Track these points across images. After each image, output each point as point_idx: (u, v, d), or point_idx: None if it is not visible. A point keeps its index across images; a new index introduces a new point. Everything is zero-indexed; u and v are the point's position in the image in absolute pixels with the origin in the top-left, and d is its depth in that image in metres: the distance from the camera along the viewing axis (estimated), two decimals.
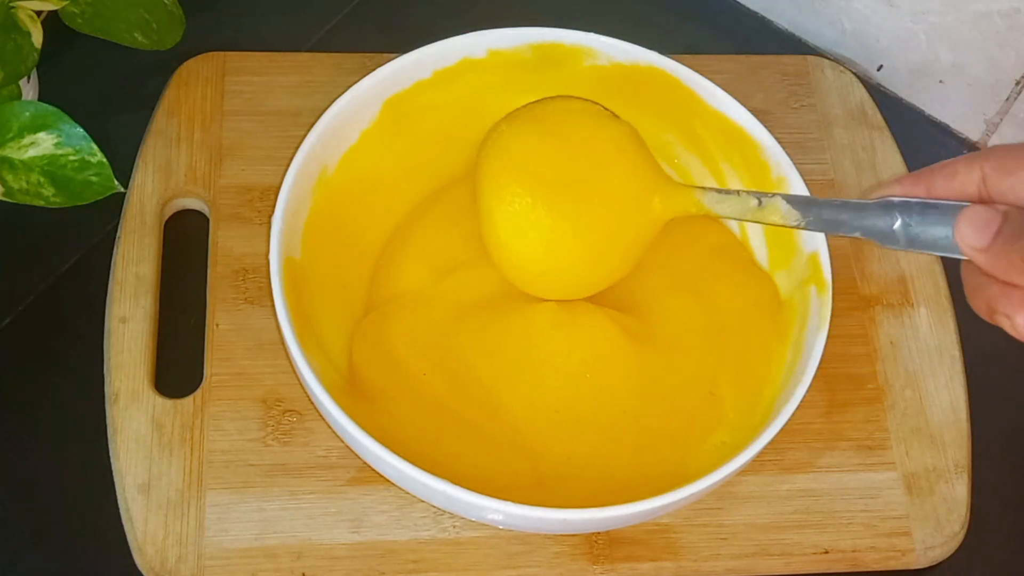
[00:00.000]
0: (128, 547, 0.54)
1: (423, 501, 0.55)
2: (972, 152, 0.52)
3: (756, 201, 0.51)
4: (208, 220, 0.62)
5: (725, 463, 0.49)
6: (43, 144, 0.56)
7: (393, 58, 0.58)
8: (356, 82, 0.57)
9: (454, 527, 0.55)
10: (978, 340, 0.62)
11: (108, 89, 0.67)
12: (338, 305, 0.57)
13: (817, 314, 0.54)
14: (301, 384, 0.53)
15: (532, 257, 0.54)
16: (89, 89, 0.66)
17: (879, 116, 0.69)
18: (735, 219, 0.53)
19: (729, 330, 0.57)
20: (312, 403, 0.53)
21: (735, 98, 0.58)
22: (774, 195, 0.51)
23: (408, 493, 0.53)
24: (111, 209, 0.60)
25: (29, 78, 0.62)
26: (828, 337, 0.53)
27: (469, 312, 0.56)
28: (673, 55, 0.59)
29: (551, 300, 0.56)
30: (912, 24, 0.70)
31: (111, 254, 0.60)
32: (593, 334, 0.55)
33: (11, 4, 0.57)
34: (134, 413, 0.56)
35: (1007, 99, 0.70)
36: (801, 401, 0.51)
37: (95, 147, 0.56)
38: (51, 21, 0.59)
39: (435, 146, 0.60)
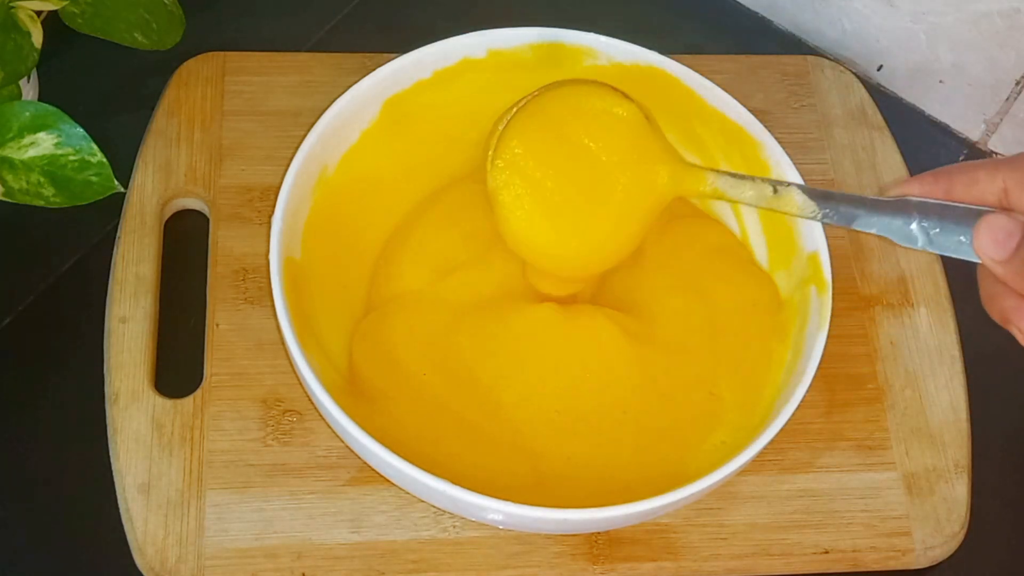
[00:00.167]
0: (128, 547, 0.54)
1: (423, 501, 0.55)
2: (993, 159, 0.52)
3: (772, 189, 0.51)
4: (208, 220, 0.62)
5: (725, 463, 0.49)
6: (43, 144, 0.56)
7: (393, 58, 0.58)
8: (356, 82, 0.57)
9: (454, 527, 0.55)
10: (978, 340, 0.62)
11: (108, 89, 0.67)
12: (338, 305, 0.57)
13: (817, 314, 0.54)
14: (301, 384, 0.53)
15: (539, 226, 0.53)
16: (89, 89, 0.66)
17: (879, 116, 0.69)
18: (749, 205, 0.53)
19: (729, 330, 0.57)
20: (312, 403, 0.53)
21: (735, 98, 0.58)
22: (790, 185, 0.51)
23: (408, 493, 0.53)
24: (111, 209, 0.60)
25: (29, 78, 0.62)
26: (828, 337, 0.52)
27: (469, 312, 0.56)
28: (673, 55, 0.59)
29: (551, 300, 0.56)
30: (912, 24, 0.70)
31: (111, 254, 0.60)
32: (593, 334, 0.55)
33: (11, 4, 0.57)
34: (134, 413, 0.56)
35: (1007, 99, 0.70)
36: (801, 401, 0.51)
37: (95, 147, 0.56)
38: (51, 21, 0.59)
39: (435, 146, 0.60)
